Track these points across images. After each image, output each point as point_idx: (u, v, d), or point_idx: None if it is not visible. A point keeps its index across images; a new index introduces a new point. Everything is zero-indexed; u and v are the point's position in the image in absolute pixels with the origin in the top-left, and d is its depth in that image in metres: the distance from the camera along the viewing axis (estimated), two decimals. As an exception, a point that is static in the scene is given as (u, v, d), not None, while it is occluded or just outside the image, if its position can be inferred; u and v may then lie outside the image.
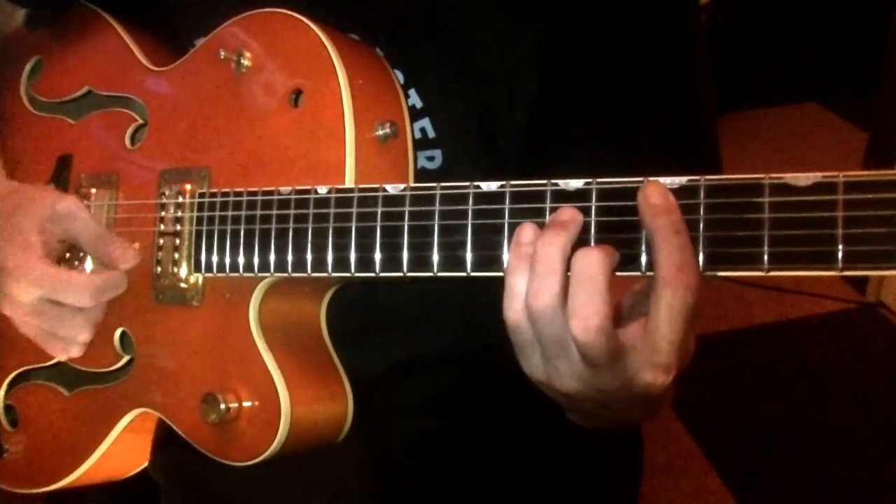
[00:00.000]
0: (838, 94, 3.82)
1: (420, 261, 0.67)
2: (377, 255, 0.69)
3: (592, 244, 0.60)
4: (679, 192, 0.58)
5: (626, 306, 0.67)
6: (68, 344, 0.86)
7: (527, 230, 0.61)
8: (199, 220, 0.81)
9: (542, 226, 0.61)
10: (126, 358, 0.88)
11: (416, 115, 0.84)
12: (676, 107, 0.85)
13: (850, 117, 3.72)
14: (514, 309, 0.60)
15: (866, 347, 2.60)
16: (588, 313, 0.56)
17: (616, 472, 0.99)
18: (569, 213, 0.60)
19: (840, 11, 3.67)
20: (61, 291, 0.82)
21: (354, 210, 0.70)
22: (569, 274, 0.58)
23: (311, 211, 0.73)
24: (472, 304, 0.88)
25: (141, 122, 0.91)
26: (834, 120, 3.80)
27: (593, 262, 0.57)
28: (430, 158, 0.86)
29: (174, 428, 0.83)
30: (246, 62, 0.81)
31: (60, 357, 0.88)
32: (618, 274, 0.59)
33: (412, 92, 0.84)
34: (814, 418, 2.30)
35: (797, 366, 2.52)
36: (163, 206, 0.85)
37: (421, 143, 0.84)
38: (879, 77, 2.86)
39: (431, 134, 0.85)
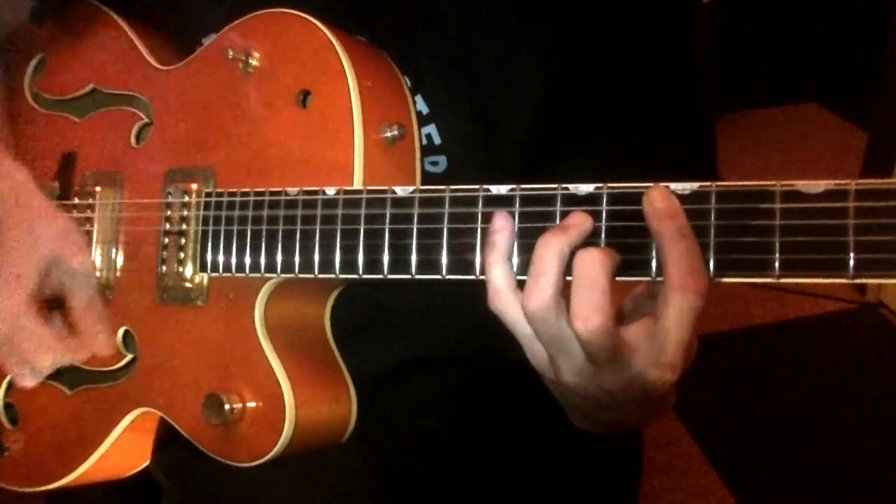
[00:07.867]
0: (838, 94, 3.83)
1: (428, 263, 0.67)
2: (385, 258, 0.69)
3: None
4: (690, 197, 0.58)
5: (627, 309, 0.67)
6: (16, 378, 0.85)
7: (496, 218, 0.62)
8: (206, 220, 0.81)
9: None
10: (129, 357, 0.88)
11: (422, 120, 0.83)
12: (678, 112, 0.85)
13: (850, 117, 3.73)
14: (491, 300, 0.62)
15: (866, 347, 2.60)
16: (588, 312, 0.56)
17: (616, 471, 0.99)
18: (575, 219, 0.60)
19: (840, 11, 3.67)
20: (25, 341, 0.81)
21: (363, 212, 0.70)
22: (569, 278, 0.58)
23: (319, 212, 0.73)
24: (474, 304, 0.88)
25: (146, 120, 0.91)
26: (834, 120, 3.80)
27: (594, 262, 0.57)
28: (434, 164, 0.86)
29: (177, 428, 0.83)
30: (253, 62, 0.80)
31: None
32: (628, 279, 0.60)
33: (418, 98, 0.84)
34: (814, 418, 2.30)
35: (797, 366, 2.52)
36: (168, 206, 0.85)
37: (426, 150, 0.84)
38: (879, 77, 2.86)
39: (437, 140, 0.85)
